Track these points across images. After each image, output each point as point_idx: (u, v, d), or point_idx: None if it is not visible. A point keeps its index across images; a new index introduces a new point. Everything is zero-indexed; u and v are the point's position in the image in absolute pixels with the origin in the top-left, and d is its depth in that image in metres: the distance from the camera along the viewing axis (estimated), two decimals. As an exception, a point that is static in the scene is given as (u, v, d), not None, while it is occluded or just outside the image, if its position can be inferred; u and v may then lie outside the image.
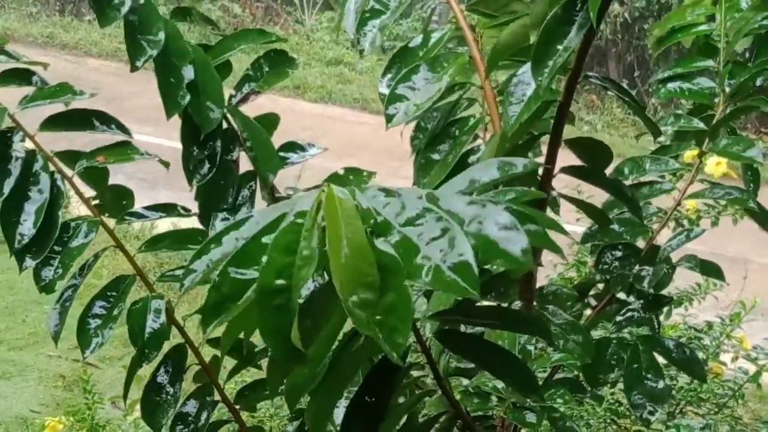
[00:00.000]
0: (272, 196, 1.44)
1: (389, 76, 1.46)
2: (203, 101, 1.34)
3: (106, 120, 1.42)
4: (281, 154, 1.49)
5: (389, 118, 1.37)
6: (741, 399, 3.17)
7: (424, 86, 1.37)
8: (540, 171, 1.29)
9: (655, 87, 1.79)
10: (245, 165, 1.46)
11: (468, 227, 0.77)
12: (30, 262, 1.38)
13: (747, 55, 1.71)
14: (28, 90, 1.41)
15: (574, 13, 1.11)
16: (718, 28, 1.70)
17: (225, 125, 1.41)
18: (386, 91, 1.41)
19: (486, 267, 0.98)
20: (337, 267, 0.72)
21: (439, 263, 0.72)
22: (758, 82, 1.65)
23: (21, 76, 1.41)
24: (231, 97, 1.46)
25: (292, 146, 1.52)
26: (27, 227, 1.36)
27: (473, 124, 1.43)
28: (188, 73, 1.32)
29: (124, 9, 1.27)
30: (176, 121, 1.39)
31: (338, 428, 1.09)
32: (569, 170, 1.32)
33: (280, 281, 0.74)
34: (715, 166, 1.84)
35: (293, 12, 12.98)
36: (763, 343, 3.40)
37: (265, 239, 0.77)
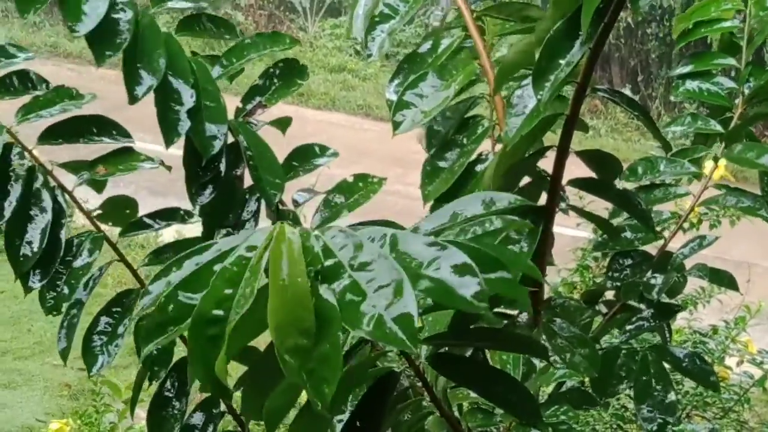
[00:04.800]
0: (277, 212, 1.40)
1: (396, 82, 1.44)
2: (204, 127, 1.28)
3: (106, 126, 1.37)
4: (293, 163, 1.46)
5: (396, 125, 1.36)
6: (747, 403, 3.17)
7: (432, 93, 1.36)
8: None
9: (674, 83, 1.72)
10: (250, 179, 1.43)
11: (426, 269, 0.76)
12: (36, 284, 1.35)
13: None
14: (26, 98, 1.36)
15: (578, 28, 1.08)
16: (744, 24, 1.63)
17: (231, 138, 1.38)
18: (393, 98, 1.40)
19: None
20: (274, 309, 0.70)
21: (382, 313, 0.71)
22: None
23: (19, 81, 1.35)
24: (238, 109, 1.42)
25: (305, 152, 1.48)
26: (30, 249, 1.33)
27: (481, 132, 1.42)
28: (188, 98, 1.26)
29: (123, 44, 1.19)
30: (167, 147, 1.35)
31: None
32: (577, 183, 1.31)
33: (217, 311, 0.73)
34: (716, 170, 1.80)
35: (296, 19, 12.98)
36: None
37: (216, 267, 0.76)
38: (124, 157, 1.40)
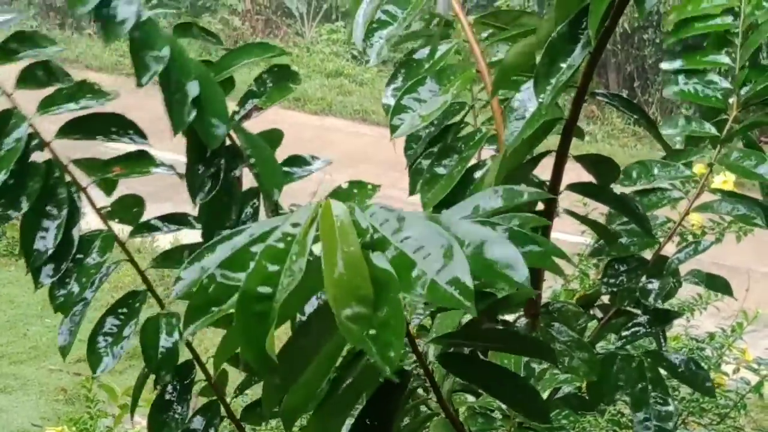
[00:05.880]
0: (276, 214, 1.41)
1: (393, 86, 1.45)
2: (208, 118, 1.31)
3: (125, 126, 1.38)
4: (285, 168, 1.48)
5: (394, 129, 1.36)
6: (743, 409, 3.17)
7: (431, 98, 1.37)
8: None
9: (666, 79, 1.68)
10: (248, 182, 1.45)
11: (467, 249, 0.77)
12: (46, 280, 1.35)
13: (766, 53, 1.61)
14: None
15: (580, 32, 1.09)
16: (738, 22, 1.58)
17: (228, 142, 1.39)
18: (391, 102, 1.40)
19: (490, 291, 0.98)
20: (331, 280, 0.71)
21: (434, 277, 0.72)
22: None
23: (45, 72, 1.35)
24: (234, 113, 1.44)
25: (296, 160, 1.51)
26: (44, 244, 1.33)
27: (479, 138, 1.42)
28: (193, 89, 1.30)
29: (128, 25, 1.24)
30: (175, 134, 1.37)
31: None
32: (575, 187, 1.32)
33: (263, 288, 0.73)
34: (722, 184, 1.73)
35: (293, 24, 13.00)
36: (765, 353, 3.39)
37: (255, 248, 0.77)
38: (140, 160, 1.41)
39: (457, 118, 1.46)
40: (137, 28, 1.26)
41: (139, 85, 1.27)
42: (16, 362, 5.61)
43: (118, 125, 1.38)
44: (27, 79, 1.34)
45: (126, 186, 1.45)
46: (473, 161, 1.45)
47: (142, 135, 1.38)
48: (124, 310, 1.44)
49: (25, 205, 1.32)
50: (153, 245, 6.45)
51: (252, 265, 0.75)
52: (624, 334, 1.62)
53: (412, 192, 1.48)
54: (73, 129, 1.38)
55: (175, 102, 1.29)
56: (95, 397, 3.20)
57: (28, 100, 1.37)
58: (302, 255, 0.73)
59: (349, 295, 0.71)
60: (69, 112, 1.35)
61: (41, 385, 5.32)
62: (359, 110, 10.64)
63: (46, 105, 1.34)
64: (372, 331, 0.71)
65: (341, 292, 0.71)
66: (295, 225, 0.76)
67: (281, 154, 1.50)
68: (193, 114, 1.29)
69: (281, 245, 0.75)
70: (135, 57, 1.27)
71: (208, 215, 1.40)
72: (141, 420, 3.15)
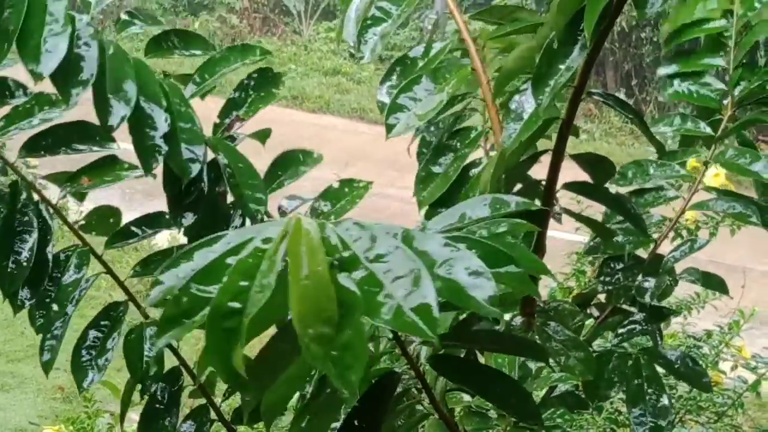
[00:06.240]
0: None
1: (388, 84, 1.44)
2: (180, 149, 1.25)
3: (90, 133, 1.31)
4: (277, 172, 1.44)
5: (389, 128, 1.36)
6: (740, 408, 3.17)
7: (426, 97, 1.36)
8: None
9: (662, 83, 1.69)
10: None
11: (438, 269, 0.77)
12: (25, 303, 1.33)
13: (762, 52, 1.61)
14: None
15: (578, 33, 1.09)
16: (732, 24, 1.57)
17: (212, 155, 1.34)
18: (386, 100, 1.40)
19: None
20: (296, 299, 0.71)
21: (401, 303, 0.71)
22: None
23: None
24: (216, 125, 1.39)
25: (288, 161, 1.46)
26: (17, 268, 1.30)
27: (475, 136, 1.42)
28: (162, 123, 1.22)
29: (91, 80, 1.14)
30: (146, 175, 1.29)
31: None
32: (571, 186, 1.32)
33: (234, 304, 0.73)
34: (713, 177, 1.74)
35: (291, 22, 12.99)
36: (762, 351, 3.40)
37: (229, 260, 0.76)
38: (109, 167, 1.36)
39: (457, 108, 1.45)
40: (101, 73, 1.15)
41: (108, 130, 1.18)
42: (14, 360, 5.61)
43: (81, 134, 1.32)
44: None
45: (118, 186, 1.41)
46: (471, 159, 1.45)
47: (109, 139, 1.32)
48: (106, 322, 1.42)
49: None
50: (151, 243, 6.43)
51: (225, 279, 0.74)
52: (620, 331, 1.63)
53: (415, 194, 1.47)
54: (35, 146, 1.33)
55: (145, 137, 1.22)
56: (92, 396, 3.19)
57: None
58: (271, 271, 0.72)
59: (314, 315, 0.71)
60: (31, 128, 1.30)
61: (38, 383, 5.32)
62: (357, 108, 10.64)
63: (4, 126, 1.30)
64: (334, 353, 0.71)
65: (306, 311, 0.71)
66: (266, 241, 0.75)
67: (273, 155, 1.48)
68: (165, 150, 1.23)
69: (252, 260, 0.74)
70: (98, 103, 1.18)
71: (193, 235, 1.36)
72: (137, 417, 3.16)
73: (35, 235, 1.32)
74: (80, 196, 1.41)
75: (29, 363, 5.51)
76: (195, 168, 1.26)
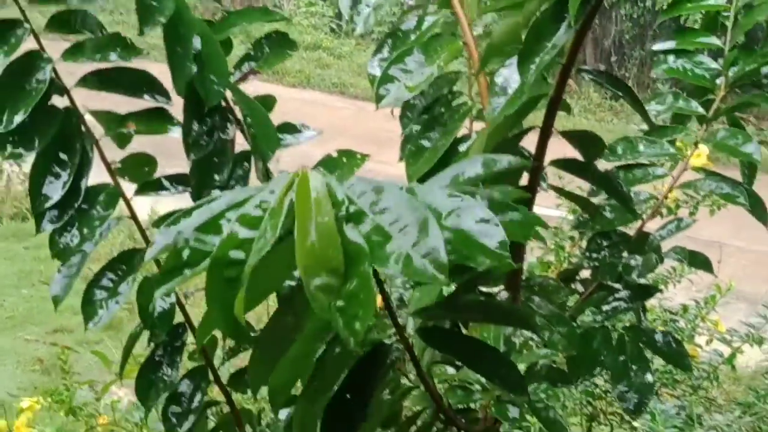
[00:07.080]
0: (266, 178, 1.43)
1: (379, 56, 1.44)
2: (208, 74, 1.33)
3: (149, 83, 1.36)
4: (278, 134, 1.47)
5: (380, 98, 1.36)
6: (716, 381, 3.22)
7: (417, 69, 1.37)
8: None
9: (655, 58, 1.67)
10: (239, 147, 1.44)
11: (445, 220, 0.77)
12: (48, 226, 1.35)
13: (760, 34, 1.59)
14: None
15: (565, 10, 1.07)
16: (733, 3, 1.58)
17: (223, 103, 1.40)
18: (377, 72, 1.40)
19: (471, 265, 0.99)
20: (303, 250, 0.71)
21: (410, 251, 0.72)
22: (765, 71, 1.55)
23: (81, 21, 1.34)
24: (230, 75, 1.44)
25: (287, 127, 1.51)
26: (52, 189, 1.33)
27: (464, 111, 1.42)
28: (195, 44, 1.31)
29: None
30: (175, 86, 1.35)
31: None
32: (559, 163, 1.32)
33: (236, 254, 0.73)
34: (695, 157, 1.74)
35: (271, -5, 12.89)
36: (737, 325, 3.44)
37: (231, 214, 0.77)
38: (158, 119, 1.40)
39: (445, 90, 1.46)
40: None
41: (141, 32, 1.25)
42: (-8, 333, 5.58)
43: (141, 81, 1.37)
44: (57, 23, 1.34)
45: (149, 140, 1.41)
46: (461, 133, 1.45)
47: (165, 94, 1.37)
48: (123, 266, 1.43)
49: (38, 147, 1.31)
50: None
51: (226, 230, 0.75)
52: (605, 308, 1.63)
53: (402, 158, 1.48)
54: (95, 79, 1.37)
55: (178, 55, 1.30)
56: (70, 368, 3.18)
57: (57, 49, 1.34)
58: (276, 222, 0.73)
59: (320, 265, 0.71)
60: (97, 62, 1.34)
61: (18, 355, 5.31)
62: (337, 83, 10.61)
63: (73, 53, 1.33)
64: (340, 303, 0.71)
65: (312, 262, 0.71)
66: (271, 192, 0.76)
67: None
68: (195, 69, 1.30)
69: (257, 212, 0.75)
70: (139, 3, 1.26)
71: (199, 174, 1.41)
72: (118, 391, 3.14)
73: (76, 161, 1.34)
74: (122, 141, 1.42)
75: (8, 335, 5.49)
76: (218, 96, 1.34)
